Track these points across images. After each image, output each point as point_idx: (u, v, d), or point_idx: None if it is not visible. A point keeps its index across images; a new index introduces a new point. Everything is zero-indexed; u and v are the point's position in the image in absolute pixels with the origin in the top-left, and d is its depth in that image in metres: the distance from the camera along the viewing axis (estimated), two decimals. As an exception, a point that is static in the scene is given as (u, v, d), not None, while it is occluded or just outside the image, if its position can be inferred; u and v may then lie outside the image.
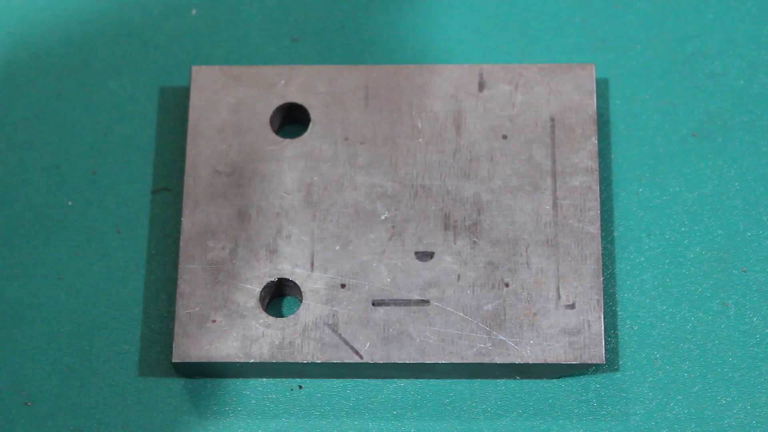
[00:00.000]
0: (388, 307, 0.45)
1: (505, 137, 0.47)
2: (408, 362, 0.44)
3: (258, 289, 0.45)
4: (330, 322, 0.44)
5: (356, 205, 0.46)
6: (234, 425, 0.46)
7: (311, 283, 0.45)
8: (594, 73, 0.47)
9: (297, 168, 0.47)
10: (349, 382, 0.46)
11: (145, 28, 0.51)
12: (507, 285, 0.45)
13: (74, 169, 0.49)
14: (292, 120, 0.49)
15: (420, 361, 0.44)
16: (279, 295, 0.46)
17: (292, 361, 0.44)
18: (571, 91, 0.47)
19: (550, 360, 0.43)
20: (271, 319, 0.44)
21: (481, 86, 0.48)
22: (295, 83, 0.48)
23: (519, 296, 0.44)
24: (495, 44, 0.51)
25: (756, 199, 0.48)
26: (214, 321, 0.45)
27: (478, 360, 0.44)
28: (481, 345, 0.44)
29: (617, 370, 0.46)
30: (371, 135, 0.47)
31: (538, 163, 0.46)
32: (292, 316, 0.45)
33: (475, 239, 0.45)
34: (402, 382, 0.46)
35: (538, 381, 0.46)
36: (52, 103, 0.50)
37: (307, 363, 0.44)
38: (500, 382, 0.46)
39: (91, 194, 0.49)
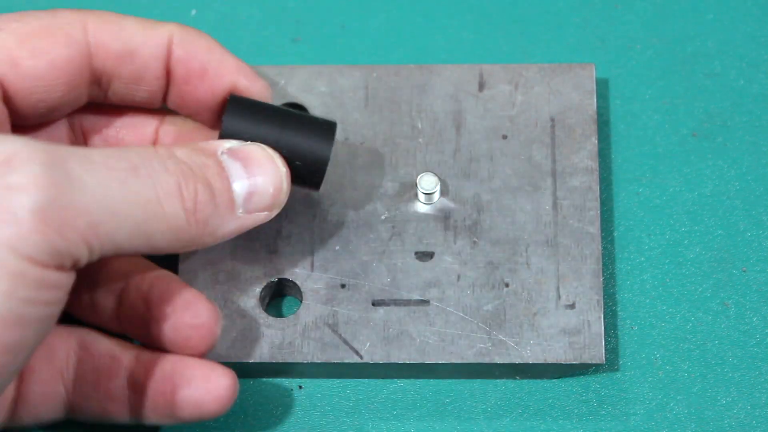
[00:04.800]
0: (388, 307, 0.45)
1: (505, 137, 0.47)
2: (408, 362, 0.44)
3: (258, 289, 0.45)
4: (330, 322, 0.44)
5: (356, 205, 0.46)
6: (234, 425, 0.46)
7: (311, 283, 0.45)
8: (594, 73, 0.47)
9: (297, 168, 0.47)
10: (349, 382, 0.46)
11: (145, 28, 0.51)
12: (507, 285, 0.45)
13: (74, 169, 0.49)
14: (292, 120, 0.49)
15: (420, 361, 0.44)
16: (279, 295, 0.46)
17: (292, 361, 0.44)
18: (571, 91, 0.47)
19: (550, 360, 0.43)
20: (271, 319, 0.44)
21: (481, 86, 0.48)
22: (295, 83, 0.48)
23: (519, 296, 0.44)
24: (495, 44, 0.51)
25: (756, 199, 0.48)
26: (214, 321, 0.45)
27: (478, 360, 0.44)
28: (481, 345, 0.44)
29: (617, 370, 0.46)
30: (371, 135, 0.47)
31: (538, 163, 0.46)
32: (292, 316, 0.45)
33: (475, 239, 0.45)
34: (402, 382, 0.46)
35: (538, 381, 0.46)
36: (52, 103, 0.50)
37: (307, 363, 0.44)
38: (500, 382, 0.46)
39: (91, 194, 0.49)
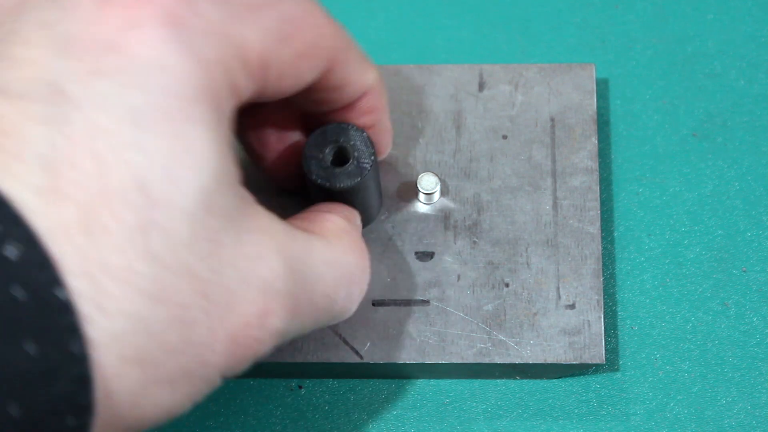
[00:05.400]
0: (388, 307, 0.45)
1: (505, 137, 0.47)
2: (408, 362, 0.44)
3: (258, 289, 0.45)
4: (330, 322, 0.44)
5: (356, 205, 0.46)
6: (234, 425, 0.46)
7: (311, 283, 0.45)
8: (594, 73, 0.47)
9: (297, 168, 0.47)
10: (349, 382, 0.46)
11: (145, 28, 0.51)
12: (507, 285, 0.45)
13: (74, 169, 0.49)
14: (292, 120, 0.49)
15: (420, 361, 0.44)
16: (279, 295, 0.46)
17: (292, 361, 0.44)
18: (571, 91, 0.47)
19: (550, 360, 0.43)
20: (271, 319, 0.44)
21: (481, 86, 0.48)
22: (295, 83, 0.48)
23: (519, 296, 0.44)
24: (495, 44, 0.51)
25: (756, 199, 0.48)
26: (214, 321, 0.44)
27: (478, 360, 0.44)
28: (481, 345, 0.44)
29: (617, 370, 0.46)
30: (371, 135, 0.47)
31: (538, 163, 0.46)
32: (292, 316, 0.45)
33: (475, 239, 0.45)
34: (402, 382, 0.46)
35: (538, 381, 0.46)
36: (52, 103, 0.50)
37: (307, 363, 0.44)
38: (500, 382, 0.46)
39: (91, 194, 0.49)
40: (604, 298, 0.46)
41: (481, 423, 0.45)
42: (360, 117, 0.41)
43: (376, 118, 0.41)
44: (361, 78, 0.39)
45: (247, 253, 0.32)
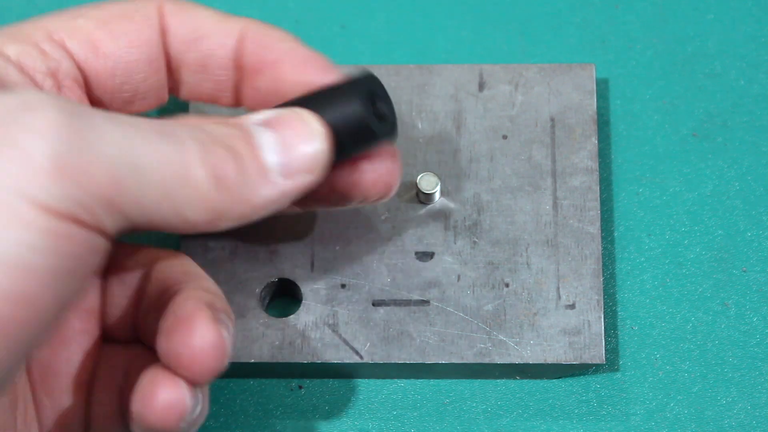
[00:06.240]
0: (388, 307, 0.45)
1: (505, 137, 0.47)
2: (408, 362, 0.44)
3: (258, 289, 0.45)
4: (330, 322, 0.44)
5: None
6: (234, 425, 0.46)
7: (311, 283, 0.45)
8: (594, 73, 0.47)
9: (297, 168, 0.46)
10: (349, 382, 0.46)
11: (145, 28, 0.51)
12: (507, 285, 0.45)
13: (74, 169, 0.49)
14: (292, 120, 0.49)
15: (420, 361, 0.44)
16: (279, 295, 0.46)
17: (292, 361, 0.44)
18: (571, 91, 0.47)
19: (551, 360, 0.43)
20: (271, 319, 0.44)
21: (481, 86, 0.48)
22: (295, 83, 0.48)
23: (519, 296, 0.44)
24: (495, 44, 0.51)
25: (756, 199, 0.48)
26: (214, 321, 0.44)
27: (478, 360, 0.44)
28: (482, 345, 0.44)
29: (617, 370, 0.46)
30: (371, 135, 0.47)
31: (538, 163, 0.46)
32: (292, 316, 0.45)
33: (475, 239, 0.45)
34: (402, 382, 0.46)
35: (538, 381, 0.46)
36: (52, 103, 0.50)
37: (307, 363, 0.44)
38: (500, 382, 0.46)
39: (91, 194, 0.49)
40: (604, 298, 0.46)
41: (481, 423, 0.45)
42: (259, 59, 0.40)
43: (277, 49, 0.40)
44: (220, 24, 0.40)
45: None
